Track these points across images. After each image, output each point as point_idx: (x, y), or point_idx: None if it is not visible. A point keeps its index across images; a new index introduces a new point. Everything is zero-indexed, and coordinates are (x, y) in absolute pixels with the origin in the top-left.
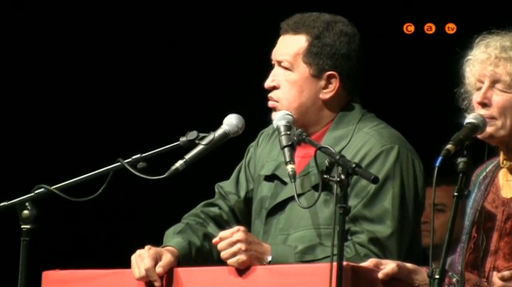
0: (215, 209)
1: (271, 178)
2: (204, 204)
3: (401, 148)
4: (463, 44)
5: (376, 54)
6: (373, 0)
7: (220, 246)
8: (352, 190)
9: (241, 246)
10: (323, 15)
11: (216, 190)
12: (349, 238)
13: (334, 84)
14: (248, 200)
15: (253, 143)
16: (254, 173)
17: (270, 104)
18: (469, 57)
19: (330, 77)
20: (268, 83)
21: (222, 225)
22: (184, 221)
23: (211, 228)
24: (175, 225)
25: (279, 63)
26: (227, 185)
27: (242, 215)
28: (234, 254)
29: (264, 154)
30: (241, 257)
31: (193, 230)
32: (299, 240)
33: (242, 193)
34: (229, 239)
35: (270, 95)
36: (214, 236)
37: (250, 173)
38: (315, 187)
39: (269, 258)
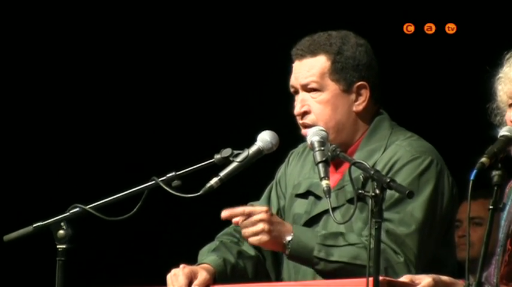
0: None
1: (305, 194)
2: None
3: (432, 159)
4: (463, 44)
5: (376, 55)
6: (373, 0)
7: (243, 223)
8: None
9: (264, 226)
10: (331, 32)
11: None
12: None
13: (365, 95)
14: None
15: (284, 163)
16: (285, 191)
17: (304, 132)
18: (500, 75)
19: (359, 88)
20: (298, 110)
21: None
22: (218, 239)
23: (245, 246)
24: (209, 243)
25: (304, 87)
26: (259, 204)
27: None
28: (256, 234)
29: (295, 172)
30: (263, 237)
31: (228, 247)
32: None
33: (274, 211)
34: (253, 218)
35: (303, 121)
36: (249, 254)
37: (281, 191)
38: (350, 201)
39: (288, 238)
